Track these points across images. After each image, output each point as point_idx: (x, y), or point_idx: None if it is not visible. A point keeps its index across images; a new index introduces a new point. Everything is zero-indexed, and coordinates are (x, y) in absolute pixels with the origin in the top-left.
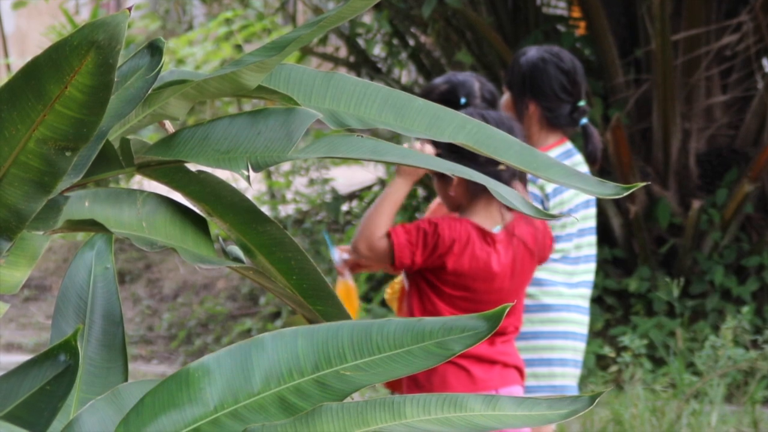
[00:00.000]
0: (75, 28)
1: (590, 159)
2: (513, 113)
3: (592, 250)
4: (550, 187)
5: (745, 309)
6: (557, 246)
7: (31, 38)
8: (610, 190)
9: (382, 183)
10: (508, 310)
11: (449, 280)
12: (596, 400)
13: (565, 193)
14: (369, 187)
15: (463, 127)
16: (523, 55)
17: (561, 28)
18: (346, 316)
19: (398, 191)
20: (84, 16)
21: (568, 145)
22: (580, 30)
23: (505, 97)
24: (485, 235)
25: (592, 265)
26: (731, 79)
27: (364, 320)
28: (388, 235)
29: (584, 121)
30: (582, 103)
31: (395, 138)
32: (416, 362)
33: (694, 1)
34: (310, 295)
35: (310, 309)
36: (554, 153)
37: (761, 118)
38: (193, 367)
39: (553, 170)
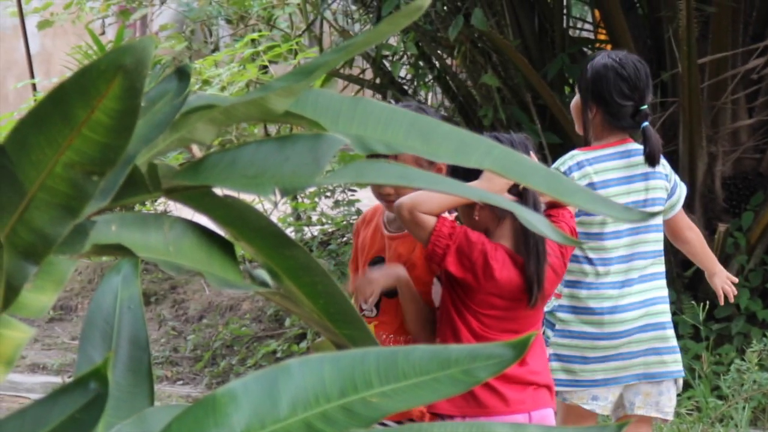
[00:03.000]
0: (100, 49)
1: (649, 160)
2: (580, 115)
3: (643, 248)
4: (581, 183)
5: None
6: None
7: (57, 58)
8: (636, 215)
9: None
10: (533, 333)
11: (478, 297)
12: (623, 429)
13: (601, 191)
14: None
15: (490, 153)
16: (591, 60)
17: (587, 50)
18: (373, 341)
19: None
20: (110, 36)
21: (630, 145)
22: None
23: (575, 99)
24: (515, 260)
25: (648, 285)
26: (757, 102)
27: (390, 346)
28: (436, 219)
29: (645, 123)
30: (644, 107)
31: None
32: (442, 389)
33: (721, 24)
34: (337, 319)
35: (336, 333)
36: (610, 151)
37: None
38: (219, 392)
39: (579, 196)
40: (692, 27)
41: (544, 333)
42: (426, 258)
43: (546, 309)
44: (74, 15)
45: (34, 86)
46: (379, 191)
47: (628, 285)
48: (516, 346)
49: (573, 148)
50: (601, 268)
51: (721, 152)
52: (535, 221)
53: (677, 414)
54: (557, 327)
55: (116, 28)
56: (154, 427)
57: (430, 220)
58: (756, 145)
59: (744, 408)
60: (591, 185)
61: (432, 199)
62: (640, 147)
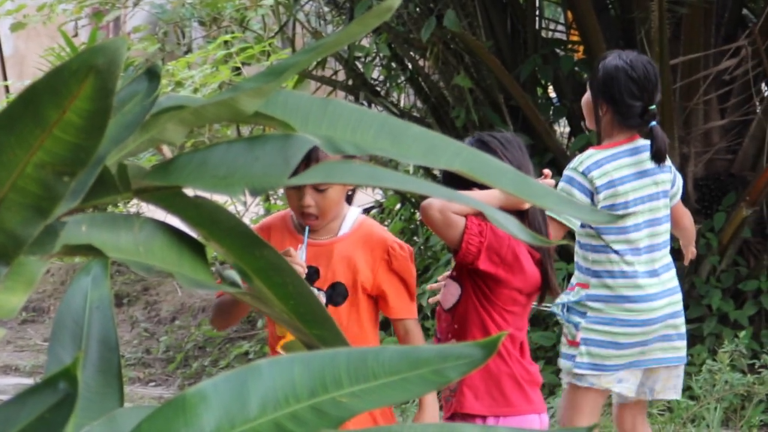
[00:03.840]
0: (73, 51)
1: (656, 158)
2: (590, 111)
3: (659, 239)
4: (601, 180)
5: (743, 333)
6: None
7: (30, 60)
8: (604, 217)
9: (380, 205)
10: (505, 335)
11: (505, 293)
12: (592, 431)
13: (620, 187)
14: (367, 210)
15: (459, 155)
16: (603, 59)
17: (560, 51)
18: (343, 341)
19: (486, 202)
20: (83, 38)
21: (638, 142)
22: (579, 54)
23: (586, 96)
24: (533, 255)
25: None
26: (729, 103)
27: (360, 347)
28: (465, 218)
29: (653, 123)
30: (653, 107)
31: (392, 163)
32: (412, 389)
33: (693, 25)
34: (307, 319)
35: (306, 333)
36: (623, 148)
37: (759, 143)
38: (189, 393)
39: (547, 198)
40: (664, 28)
41: (570, 321)
42: (459, 258)
43: (573, 299)
44: (46, 17)
45: (6, 88)
46: (299, 203)
47: (655, 275)
48: (485, 345)
49: (545, 149)
50: (628, 258)
51: (693, 153)
52: (504, 221)
53: (649, 414)
54: (589, 314)
55: (89, 30)
56: (124, 427)
57: (461, 220)
58: (728, 146)
59: (716, 408)
60: (611, 182)
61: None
62: (647, 143)
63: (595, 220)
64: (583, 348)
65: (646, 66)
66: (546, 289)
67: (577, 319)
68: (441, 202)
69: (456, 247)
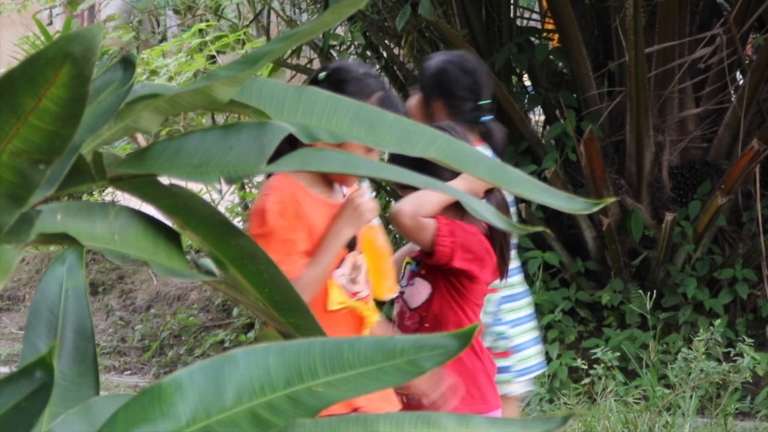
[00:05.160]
0: (48, 39)
1: (496, 153)
2: (422, 111)
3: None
4: None
5: (718, 322)
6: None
7: (4, 49)
8: (580, 205)
9: None
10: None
11: (478, 289)
12: (568, 420)
13: None
14: None
15: (434, 142)
16: (429, 59)
17: (534, 40)
18: (318, 329)
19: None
20: (57, 27)
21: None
22: (554, 42)
23: (416, 100)
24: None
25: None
26: (704, 91)
27: (336, 337)
28: (435, 220)
29: (486, 118)
30: (484, 101)
31: None
32: (387, 379)
33: (668, 13)
34: (282, 308)
35: (282, 322)
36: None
37: (734, 131)
38: (165, 382)
39: (524, 185)
40: (639, 16)
41: (498, 336)
42: (434, 260)
43: (491, 309)
44: (21, 5)
45: None
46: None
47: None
48: (460, 336)
49: (520, 137)
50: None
51: (668, 141)
52: (480, 209)
53: (624, 403)
54: (506, 318)
55: (64, 19)
56: (100, 416)
57: (431, 222)
58: (703, 134)
59: (691, 397)
60: None
61: (429, 199)
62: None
63: (572, 209)
64: (517, 354)
65: (478, 62)
66: (504, 271)
67: (499, 329)
68: (411, 207)
69: (429, 249)
